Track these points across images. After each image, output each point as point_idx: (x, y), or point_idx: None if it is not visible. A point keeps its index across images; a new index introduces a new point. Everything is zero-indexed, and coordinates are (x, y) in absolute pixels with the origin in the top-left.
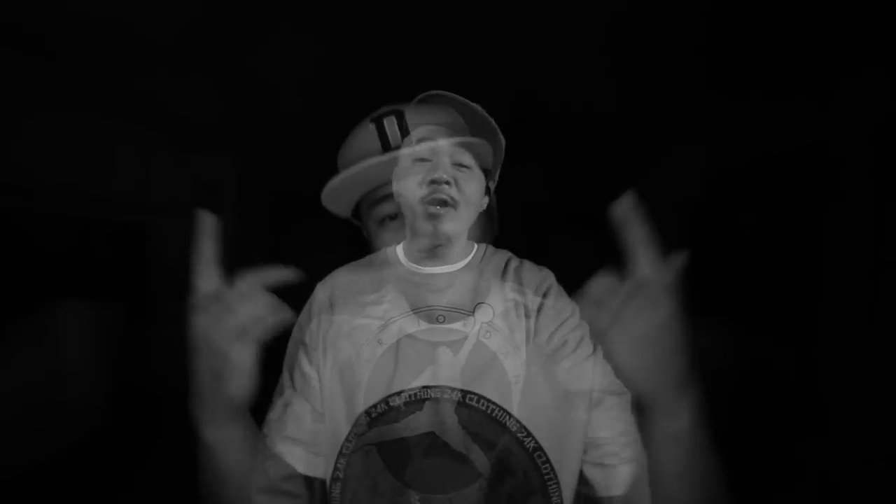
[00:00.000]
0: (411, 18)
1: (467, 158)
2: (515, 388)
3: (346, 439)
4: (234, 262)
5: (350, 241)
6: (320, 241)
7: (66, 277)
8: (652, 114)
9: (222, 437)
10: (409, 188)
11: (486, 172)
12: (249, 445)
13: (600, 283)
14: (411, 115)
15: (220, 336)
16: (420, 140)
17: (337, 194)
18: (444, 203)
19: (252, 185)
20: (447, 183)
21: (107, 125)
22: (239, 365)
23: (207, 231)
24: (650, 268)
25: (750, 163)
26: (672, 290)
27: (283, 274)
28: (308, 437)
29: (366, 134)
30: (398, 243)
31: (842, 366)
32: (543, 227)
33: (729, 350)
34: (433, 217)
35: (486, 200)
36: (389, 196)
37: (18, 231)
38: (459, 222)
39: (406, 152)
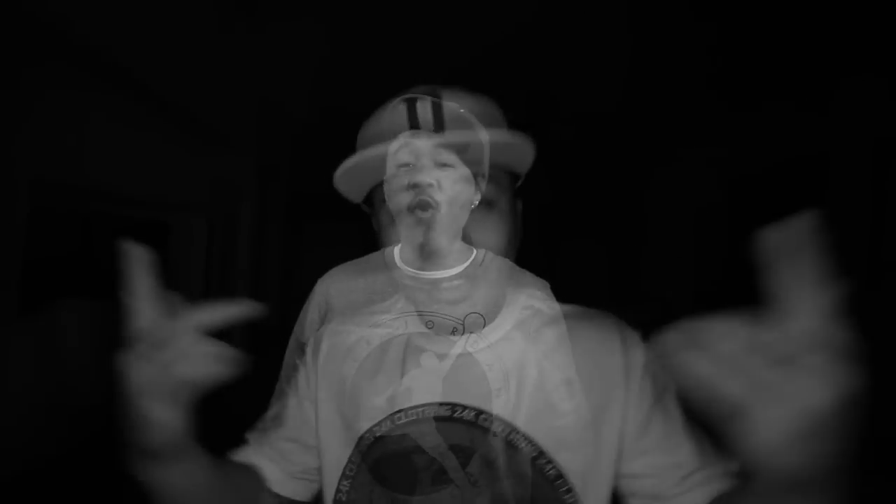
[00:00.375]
0: (426, 25)
1: (450, 158)
2: (497, 401)
3: (350, 460)
4: (253, 259)
5: (363, 240)
6: (334, 239)
7: (90, 272)
8: (662, 122)
9: (162, 477)
10: (395, 193)
11: (514, 175)
12: (202, 479)
13: (728, 331)
14: (449, 99)
15: (148, 390)
16: (457, 129)
17: (351, 176)
18: (427, 206)
19: (269, 185)
20: (430, 185)
21: (135, 130)
22: (163, 424)
23: (142, 263)
24: (816, 322)
25: (758, 171)
26: (847, 356)
27: (237, 310)
28: (289, 453)
29: (394, 114)
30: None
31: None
32: (553, 230)
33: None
34: (419, 222)
35: (477, 197)
36: (409, 187)
37: (47, 227)
38: (447, 225)
39: (392, 149)
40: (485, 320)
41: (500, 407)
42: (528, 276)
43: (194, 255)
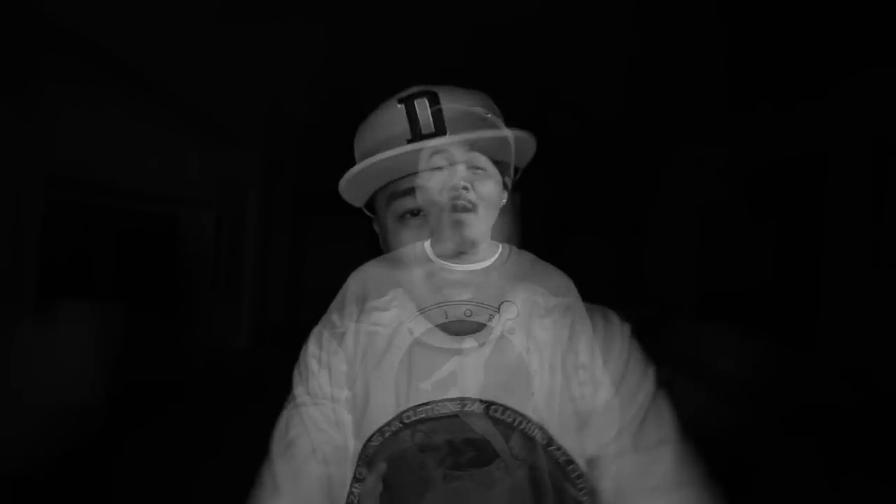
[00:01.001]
0: (429, 22)
1: (482, 161)
2: (534, 381)
3: (358, 463)
4: (260, 252)
5: (368, 235)
6: (339, 234)
7: (102, 266)
8: (664, 121)
9: None
10: (431, 196)
11: (508, 166)
12: None
13: None
14: (445, 97)
15: None
16: (455, 131)
17: (355, 184)
18: (464, 208)
19: (276, 181)
20: (465, 188)
21: (145, 126)
22: None
23: None
24: None
25: (758, 169)
26: None
27: None
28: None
29: (392, 116)
30: (418, 240)
31: (841, 364)
32: (558, 229)
33: (741, 353)
34: (457, 223)
35: (505, 196)
36: (413, 190)
37: (61, 222)
38: (481, 224)
39: (423, 167)
40: (517, 308)
41: (537, 388)
42: (550, 269)
43: (203, 248)
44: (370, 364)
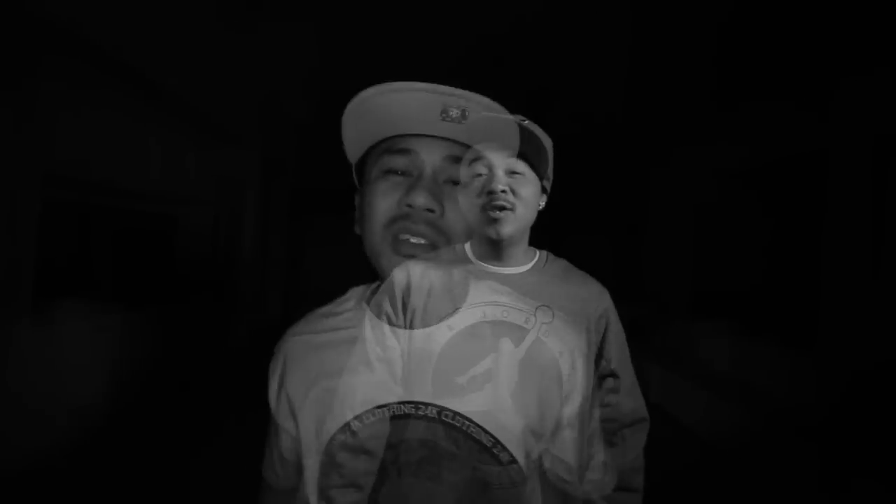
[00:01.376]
0: (429, 22)
1: (521, 166)
2: (566, 384)
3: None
4: (257, 251)
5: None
6: (336, 234)
7: (99, 266)
8: (663, 120)
9: None
10: (470, 201)
11: (545, 170)
12: None
13: None
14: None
15: None
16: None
17: (361, 116)
18: (502, 208)
19: (273, 180)
20: (503, 191)
21: (143, 126)
22: None
23: None
24: None
25: (758, 168)
26: None
27: None
28: None
29: (409, 83)
30: (392, 196)
31: (842, 363)
32: (557, 226)
33: (738, 353)
34: (493, 220)
35: (543, 199)
36: (406, 151)
37: (58, 222)
38: (518, 223)
39: (464, 176)
40: (553, 313)
41: (569, 392)
42: (586, 277)
43: (201, 248)
44: (413, 357)
